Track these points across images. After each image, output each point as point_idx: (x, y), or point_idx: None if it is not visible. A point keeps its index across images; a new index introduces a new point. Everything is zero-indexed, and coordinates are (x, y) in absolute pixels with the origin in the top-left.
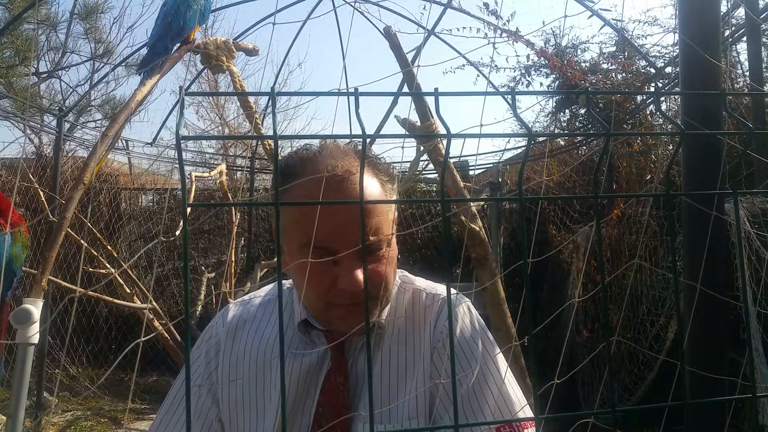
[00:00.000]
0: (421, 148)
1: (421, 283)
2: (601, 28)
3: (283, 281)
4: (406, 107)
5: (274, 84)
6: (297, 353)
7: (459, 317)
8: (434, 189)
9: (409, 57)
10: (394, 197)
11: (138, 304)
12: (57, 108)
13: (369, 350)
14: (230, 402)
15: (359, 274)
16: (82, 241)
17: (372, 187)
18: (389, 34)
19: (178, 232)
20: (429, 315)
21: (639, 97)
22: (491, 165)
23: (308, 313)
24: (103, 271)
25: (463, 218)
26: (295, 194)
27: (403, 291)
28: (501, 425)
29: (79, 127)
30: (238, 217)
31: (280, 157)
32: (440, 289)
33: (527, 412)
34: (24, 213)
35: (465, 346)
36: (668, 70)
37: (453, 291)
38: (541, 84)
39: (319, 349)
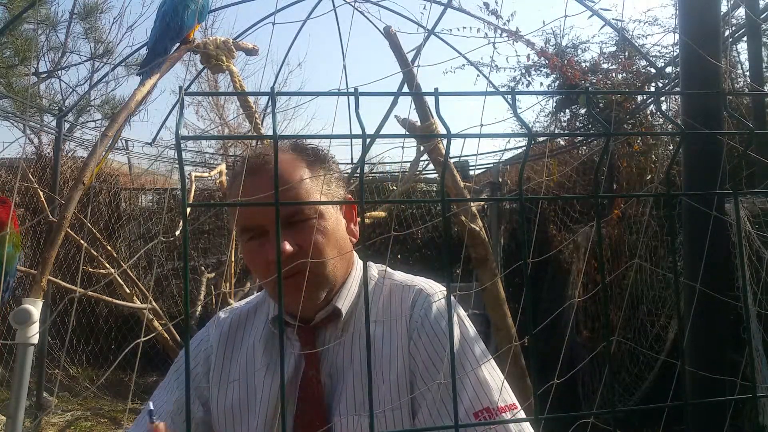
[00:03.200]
0: (421, 148)
1: (399, 276)
2: (601, 28)
3: None
4: (406, 107)
5: (274, 84)
6: (276, 355)
7: (434, 305)
8: (434, 189)
9: (409, 57)
10: (319, 172)
11: (138, 304)
12: (57, 108)
13: (368, 334)
14: (224, 406)
15: (286, 245)
16: (82, 241)
17: (287, 163)
18: (389, 34)
19: (177, 232)
20: (405, 306)
21: (639, 97)
22: (491, 165)
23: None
24: (103, 271)
25: (463, 218)
26: (235, 191)
27: (380, 286)
28: (479, 410)
29: (78, 127)
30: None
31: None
32: (416, 280)
33: (506, 396)
34: (24, 213)
35: (440, 333)
36: (668, 70)
37: (429, 282)
38: (541, 84)
39: (295, 349)
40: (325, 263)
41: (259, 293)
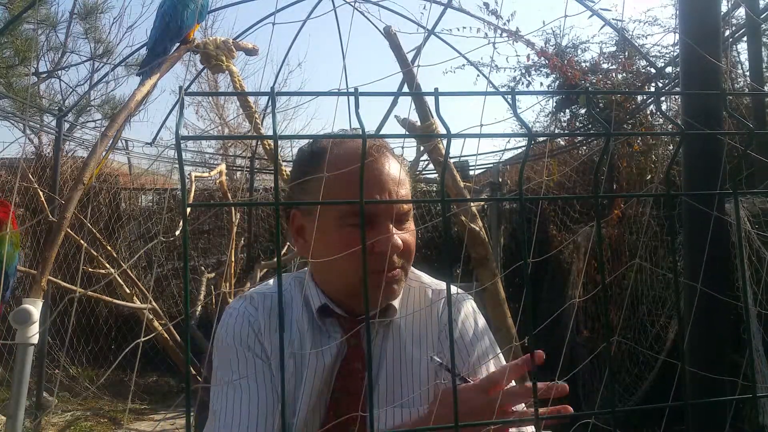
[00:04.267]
0: (421, 148)
1: (426, 278)
2: (601, 28)
3: (287, 273)
4: (406, 107)
5: (274, 84)
6: (318, 347)
7: (464, 313)
8: (434, 189)
9: (409, 57)
10: (407, 181)
11: (138, 304)
12: (57, 108)
13: (369, 333)
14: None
15: (396, 239)
16: (82, 241)
17: (395, 165)
18: (389, 34)
19: (177, 232)
20: (435, 309)
21: (639, 97)
22: (491, 165)
23: (327, 298)
24: (103, 271)
25: (463, 218)
26: (329, 170)
27: (408, 287)
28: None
29: (78, 127)
30: (238, 217)
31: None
32: (443, 285)
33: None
34: (24, 213)
35: (469, 342)
36: (668, 70)
37: (457, 290)
38: (541, 84)
39: (338, 340)
40: (411, 261)
41: (269, 281)
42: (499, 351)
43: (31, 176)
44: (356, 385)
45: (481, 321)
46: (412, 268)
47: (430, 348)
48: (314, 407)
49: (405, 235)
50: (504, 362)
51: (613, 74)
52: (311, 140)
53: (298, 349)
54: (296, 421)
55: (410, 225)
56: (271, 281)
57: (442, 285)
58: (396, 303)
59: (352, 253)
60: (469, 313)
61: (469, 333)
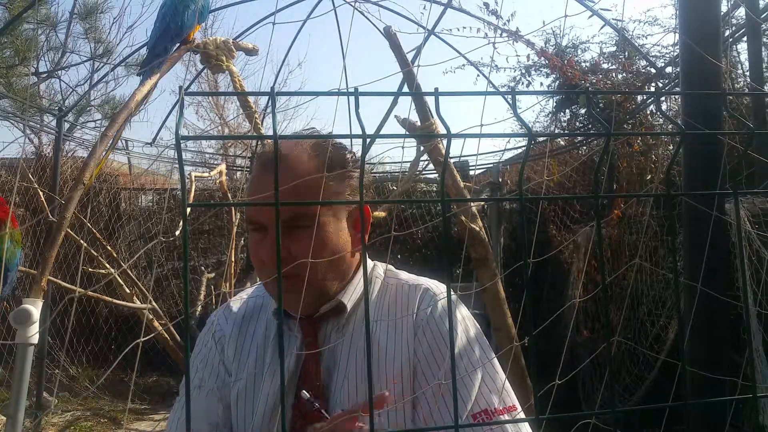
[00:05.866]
0: (421, 148)
1: (405, 276)
2: (601, 28)
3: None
4: (406, 107)
5: (274, 84)
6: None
7: (439, 304)
8: (434, 189)
9: (409, 57)
10: (346, 182)
11: (138, 304)
12: (57, 108)
13: (368, 331)
14: (236, 397)
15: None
16: (82, 241)
17: (304, 163)
18: (389, 34)
19: (177, 233)
20: (411, 303)
21: (639, 97)
22: (491, 165)
23: None
24: (103, 271)
25: (463, 218)
26: (251, 185)
27: (386, 285)
28: (477, 412)
29: (78, 127)
30: (238, 217)
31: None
32: (422, 280)
33: (506, 398)
34: (24, 213)
35: (444, 332)
36: (668, 70)
37: (435, 282)
38: (541, 84)
39: (297, 341)
40: (316, 272)
41: (257, 285)
42: (494, 357)
43: (31, 176)
44: (314, 385)
45: (473, 331)
46: (390, 267)
47: (405, 344)
48: (275, 407)
49: (302, 241)
50: (499, 371)
51: (613, 74)
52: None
53: (260, 352)
54: (254, 421)
55: (317, 232)
56: (253, 287)
57: (420, 280)
58: (351, 302)
59: (254, 259)
60: (458, 319)
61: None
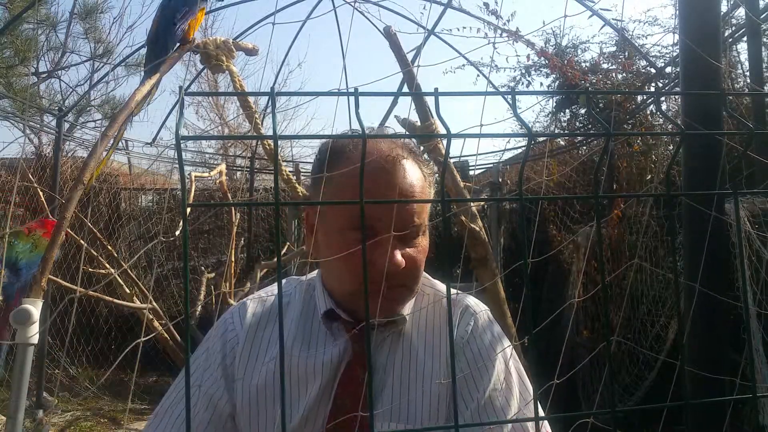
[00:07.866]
0: (421, 148)
1: (440, 285)
2: (601, 28)
3: (293, 277)
4: (406, 107)
5: (274, 84)
6: (319, 347)
7: (479, 324)
8: (434, 189)
9: (409, 57)
10: (432, 191)
11: (138, 304)
12: (57, 108)
13: (369, 339)
14: (249, 397)
15: (397, 255)
16: (82, 241)
17: (415, 175)
18: (389, 34)
19: (177, 232)
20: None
21: (639, 97)
22: (491, 165)
23: (333, 302)
24: (103, 271)
25: (463, 218)
26: (346, 175)
27: (423, 293)
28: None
29: (78, 127)
30: (238, 217)
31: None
32: (461, 296)
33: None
34: (24, 213)
35: (484, 354)
36: (668, 70)
37: (475, 299)
38: (541, 84)
39: (340, 343)
40: (417, 280)
41: (274, 285)
42: (528, 386)
43: (31, 176)
44: (357, 391)
45: (498, 334)
46: (425, 273)
47: (443, 360)
48: (312, 411)
49: (411, 252)
50: (518, 372)
51: (613, 74)
52: (327, 141)
53: (290, 351)
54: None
55: (421, 241)
56: (284, 281)
57: (460, 297)
58: (407, 311)
59: (350, 262)
60: (487, 328)
61: (488, 348)
